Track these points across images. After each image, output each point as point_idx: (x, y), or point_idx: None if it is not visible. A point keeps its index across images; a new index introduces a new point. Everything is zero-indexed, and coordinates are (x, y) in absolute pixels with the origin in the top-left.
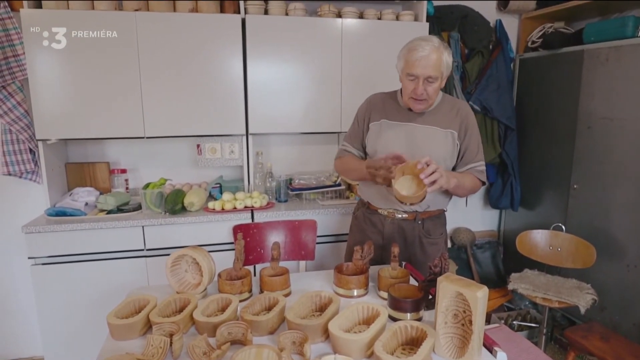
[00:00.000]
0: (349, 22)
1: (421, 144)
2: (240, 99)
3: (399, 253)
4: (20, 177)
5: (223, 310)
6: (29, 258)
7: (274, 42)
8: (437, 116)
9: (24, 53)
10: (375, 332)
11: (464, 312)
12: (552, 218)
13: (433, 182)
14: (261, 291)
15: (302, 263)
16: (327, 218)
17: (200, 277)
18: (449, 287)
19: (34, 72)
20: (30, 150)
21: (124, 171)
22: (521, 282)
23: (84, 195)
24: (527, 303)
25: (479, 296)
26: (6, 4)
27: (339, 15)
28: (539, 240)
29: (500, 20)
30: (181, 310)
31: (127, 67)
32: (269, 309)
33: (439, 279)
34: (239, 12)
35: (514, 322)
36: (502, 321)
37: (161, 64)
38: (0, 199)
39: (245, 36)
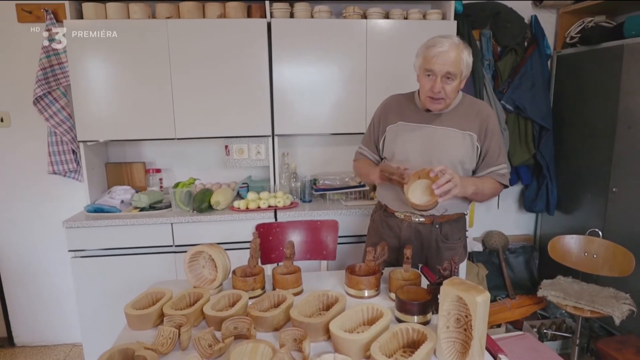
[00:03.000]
0: (374, 23)
1: (439, 146)
2: (266, 101)
3: (411, 255)
4: (64, 175)
5: (233, 305)
6: (69, 251)
7: (299, 44)
8: (455, 117)
9: (67, 61)
10: (375, 333)
11: (466, 316)
12: (591, 223)
13: (447, 191)
14: (274, 289)
15: (324, 263)
16: (350, 219)
17: (216, 273)
18: (449, 291)
19: (76, 79)
20: (73, 151)
21: (158, 171)
22: (552, 289)
23: (121, 193)
24: (562, 312)
25: (479, 301)
26: (52, 15)
27: (365, 16)
28: (573, 246)
29: (535, 16)
30: (194, 304)
31: (159, 72)
32: (277, 306)
33: (444, 282)
34: (265, 16)
35: (547, 331)
36: (535, 329)
37: (191, 69)
38: (46, 195)
39: (271, 39)
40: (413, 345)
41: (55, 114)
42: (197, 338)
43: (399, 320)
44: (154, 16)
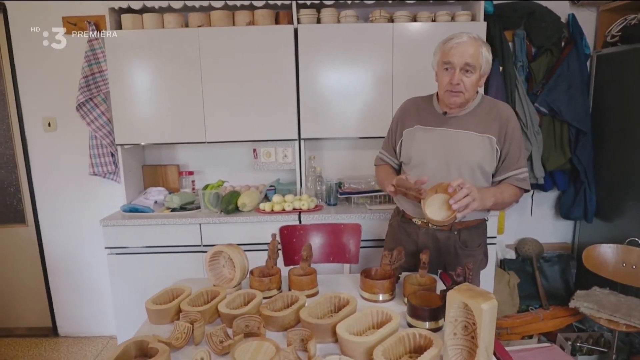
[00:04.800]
0: (401, 26)
1: (456, 149)
2: (293, 105)
3: (427, 260)
4: (104, 177)
5: (248, 304)
6: (106, 248)
7: (325, 49)
8: (473, 120)
9: (107, 69)
10: (381, 337)
11: (474, 324)
12: (633, 231)
13: (466, 206)
14: (290, 289)
15: (347, 266)
16: (375, 222)
17: (235, 273)
18: (455, 297)
19: (115, 86)
20: (112, 153)
21: (190, 173)
22: (585, 301)
23: (155, 194)
24: (601, 325)
25: (484, 308)
26: (94, 27)
27: (391, 20)
28: (609, 256)
29: (573, 15)
30: (211, 301)
31: (191, 78)
32: (290, 306)
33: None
34: (292, 23)
35: (581, 345)
36: (569, 342)
37: (220, 74)
38: (86, 195)
39: (298, 45)
40: (420, 351)
41: (95, 118)
42: (209, 334)
43: (411, 326)
44: (186, 25)
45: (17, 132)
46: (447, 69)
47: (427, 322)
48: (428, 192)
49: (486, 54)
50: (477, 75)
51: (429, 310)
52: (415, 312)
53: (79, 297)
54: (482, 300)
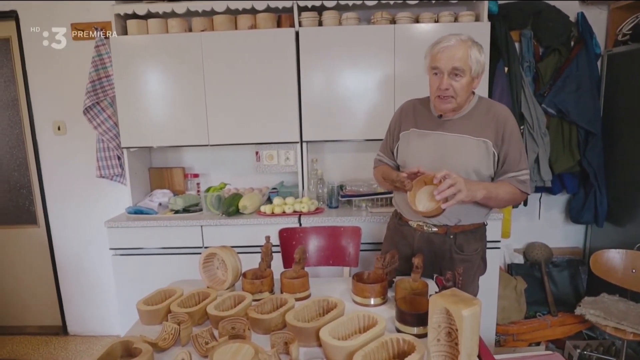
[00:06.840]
0: (403, 28)
1: (451, 153)
2: (294, 108)
3: (421, 265)
4: (110, 179)
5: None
6: (110, 249)
7: (326, 52)
8: (469, 123)
9: (113, 74)
10: (363, 342)
11: (457, 330)
12: None
13: (453, 197)
14: (282, 292)
15: (347, 269)
16: (376, 225)
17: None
18: (437, 303)
19: (121, 90)
20: (118, 156)
21: (196, 175)
22: (592, 308)
23: (160, 197)
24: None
25: (465, 314)
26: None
27: (393, 22)
28: (618, 262)
29: (582, 13)
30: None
31: (194, 82)
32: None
33: (435, 294)
34: (294, 26)
35: (590, 353)
36: (578, 350)
37: (223, 78)
38: (95, 197)
39: (299, 48)
40: (403, 357)
41: (102, 122)
42: (195, 335)
43: (399, 331)
44: (190, 29)
45: (29, 135)
46: (436, 73)
47: (414, 328)
48: (416, 185)
49: (476, 55)
50: (468, 78)
51: (416, 316)
52: (402, 317)
53: (88, 297)
54: (463, 307)
